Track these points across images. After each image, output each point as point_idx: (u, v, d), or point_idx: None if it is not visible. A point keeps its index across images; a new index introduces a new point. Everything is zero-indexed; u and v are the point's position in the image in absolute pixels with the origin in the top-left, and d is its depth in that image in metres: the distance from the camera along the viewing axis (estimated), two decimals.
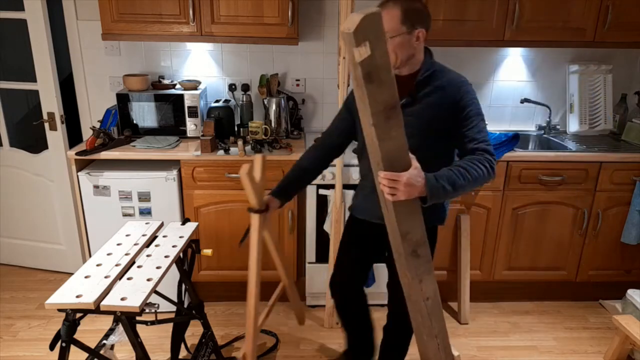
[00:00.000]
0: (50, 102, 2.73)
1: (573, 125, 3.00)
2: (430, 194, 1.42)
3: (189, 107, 2.65)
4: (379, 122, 1.32)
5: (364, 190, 1.81)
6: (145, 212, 2.51)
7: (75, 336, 1.57)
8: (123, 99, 2.63)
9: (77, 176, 2.45)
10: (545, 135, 2.97)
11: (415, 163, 1.42)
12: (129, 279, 1.65)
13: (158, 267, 1.73)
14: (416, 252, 1.52)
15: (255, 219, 1.63)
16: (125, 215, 2.51)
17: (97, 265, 1.72)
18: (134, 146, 2.53)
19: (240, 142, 2.44)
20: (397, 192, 1.39)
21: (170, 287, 2.22)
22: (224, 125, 2.67)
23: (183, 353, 2.24)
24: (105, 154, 2.45)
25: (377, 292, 2.68)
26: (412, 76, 1.63)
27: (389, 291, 1.93)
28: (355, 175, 2.45)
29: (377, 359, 2.09)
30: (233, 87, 2.88)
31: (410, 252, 1.51)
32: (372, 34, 1.21)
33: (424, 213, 1.50)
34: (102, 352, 1.79)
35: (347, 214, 2.08)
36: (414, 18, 1.55)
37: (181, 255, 1.92)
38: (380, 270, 2.56)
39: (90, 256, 2.55)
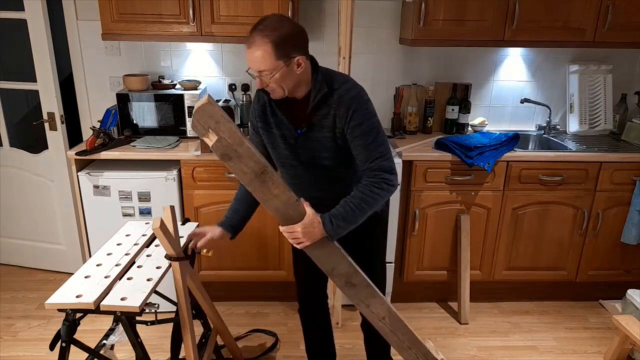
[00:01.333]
0: (50, 102, 2.73)
1: (573, 125, 3.00)
2: (330, 235, 1.49)
3: (189, 107, 2.65)
4: (255, 188, 1.42)
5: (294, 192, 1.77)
6: (145, 212, 2.51)
7: (75, 336, 1.57)
8: (123, 99, 2.63)
9: (77, 176, 2.45)
10: (545, 135, 2.97)
11: (308, 210, 1.47)
12: (129, 279, 1.65)
13: (158, 267, 1.73)
14: (350, 282, 1.58)
15: (176, 267, 1.67)
16: (125, 215, 2.51)
17: (97, 265, 1.72)
18: (134, 146, 2.53)
19: None
20: (300, 240, 1.49)
21: (170, 287, 2.22)
22: None
23: (183, 353, 2.24)
24: (105, 154, 2.45)
25: None
26: (306, 99, 1.57)
27: None
28: None
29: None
30: (233, 87, 2.89)
31: (345, 284, 1.58)
32: (210, 122, 1.31)
33: None
34: (102, 352, 1.79)
35: None
36: (288, 48, 1.43)
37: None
38: None
39: (90, 256, 2.55)
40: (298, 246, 1.51)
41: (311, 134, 1.59)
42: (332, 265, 1.55)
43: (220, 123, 1.31)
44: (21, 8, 2.58)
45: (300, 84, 1.54)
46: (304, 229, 1.46)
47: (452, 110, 2.91)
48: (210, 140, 1.34)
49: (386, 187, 1.51)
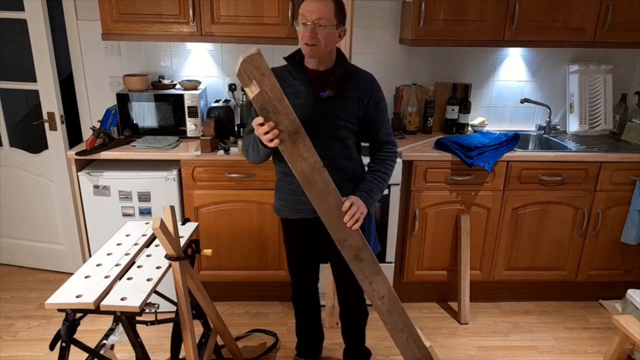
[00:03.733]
0: (50, 102, 2.73)
1: (573, 125, 3.00)
2: (370, 206, 1.73)
3: (189, 107, 2.65)
4: (286, 147, 1.45)
5: (290, 186, 1.83)
6: (145, 212, 2.51)
7: (75, 336, 1.57)
8: (123, 99, 2.63)
9: (77, 176, 2.45)
10: (545, 135, 2.97)
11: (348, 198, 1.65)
12: (129, 279, 1.65)
13: (158, 267, 1.73)
14: (358, 256, 1.65)
15: (176, 267, 1.69)
16: (125, 215, 2.51)
17: (97, 265, 1.72)
18: (134, 146, 2.53)
19: (240, 142, 2.44)
20: (361, 213, 1.65)
21: (170, 287, 2.22)
22: (224, 125, 2.67)
23: (183, 353, 2.24)
24: (105, 154, 2.45)
25: None
26: (329, 71, 1.74)
27: (336, 284, 2.06)
28: None
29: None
30: (233, 87, 2.88)
31: (353, 257, 1.65)
32: (256, 72, 1.33)
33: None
34: (102, 352, 1.79)
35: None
36: (341, 15, 1.67)
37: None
38: None
39: (90, 256, 2.55)
40: (358, 224, 1.63)
41: (335, 102, 1.72)
42: (344, 236, 1.62)
43: (265, 76, 1.34)
44: (21, 8, 2.58)
45: (332, 53, 1.73)
46: (358, 202, 1.65)
47: (452, 110, 2.91)
48: (252, 92, 1.36)
49: (395, 158, 1.84)
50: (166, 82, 2.79)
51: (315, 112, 1.69)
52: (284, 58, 1.77)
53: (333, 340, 2.46)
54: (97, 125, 2.71)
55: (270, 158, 1.82)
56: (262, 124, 1.45)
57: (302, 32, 1.63)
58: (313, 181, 1.51)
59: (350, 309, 2.09)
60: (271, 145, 1.49)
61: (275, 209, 1.99)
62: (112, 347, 1.97)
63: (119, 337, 1.75)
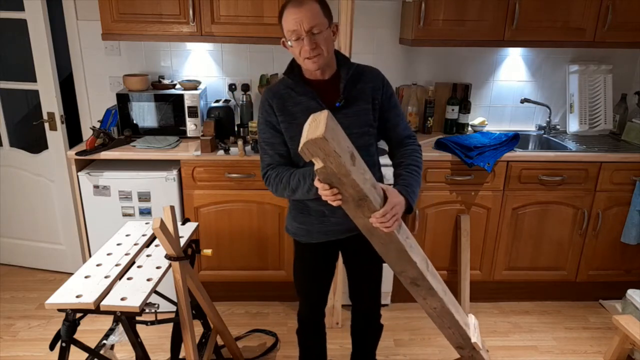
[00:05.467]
0: (50, 102, 2.73)
1: (573, 125, 3.00)
2: (413, 204, 1.53)
3: (189, 107, 2.65)
4: (349, 209, 1.41)
5: (320, 208, 1.68)
6: (145, 212, 2.51)
7: (75, 336, 1.57)
8: (123, 99, 2.63)
9: (77, 176, 2.45)
10: (545, 135, 2.97)
11: (388, 188, 1.46)
12: (129, 279, 1.65)
13: (158, 267, 1.73)
14: (415, 283, 1.65)
15: (176, 267, 1.68)
16: (125, 215, 2.51)
17: (97, 265, 1.72)
18: (134, 146, 2.53)
19: (240, 142, 2.44)
20: (398, 217, 1.44)
21: (170, 287, 2.22)
22: (224, 125, 2.67)
23: (183, 353, 2.24)
24: (105, 154, 2.45)
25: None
26: (334, 78, 1.62)
27: (354, 291, 1.94)
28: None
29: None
30: (233, 87, 2.88)
31: (409, 283, 1.65)
32: (320, 153, 1.25)
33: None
34: (102, 352, 1.79)
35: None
36: (328, 11, 1.54)
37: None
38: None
39: (90, 256, 2.55)
40: (392, 227, 1.43)
41: (349, 110, 1.59)
42: (402, 269, 1.61)
43: (329, 156, 1.26)
44: (21, 8, 2.58)
45: (332, 57, 1.58)
46: (397, 200, 1.44)
47: (452, 110, 2.91)
48: (317, 164, 1.29)
49: (421, 152, 1.68)
50: (166, 82, 2.79)
51: None
52: (284, 74, 1.63)
53: (333, 340, 2.46)
54: (97, 125, 2.71)
55: None
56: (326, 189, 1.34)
57: (299, 48, 1.48)
58: (375, 233, 1.48)
59: (365, 319, 1.99)
60: (334, 205, 1.38)
61: (292, 233, 1.80)
62: (112, 347, 1.97)
63: (119, 337, 1.76)
